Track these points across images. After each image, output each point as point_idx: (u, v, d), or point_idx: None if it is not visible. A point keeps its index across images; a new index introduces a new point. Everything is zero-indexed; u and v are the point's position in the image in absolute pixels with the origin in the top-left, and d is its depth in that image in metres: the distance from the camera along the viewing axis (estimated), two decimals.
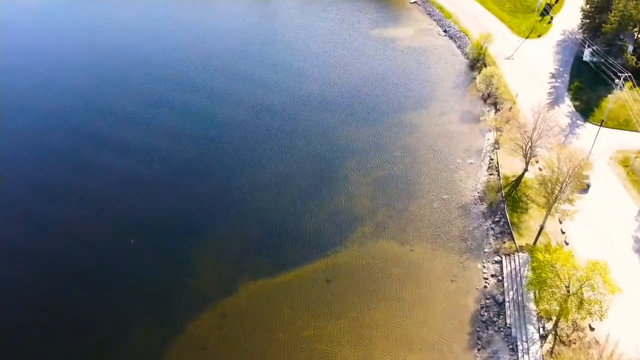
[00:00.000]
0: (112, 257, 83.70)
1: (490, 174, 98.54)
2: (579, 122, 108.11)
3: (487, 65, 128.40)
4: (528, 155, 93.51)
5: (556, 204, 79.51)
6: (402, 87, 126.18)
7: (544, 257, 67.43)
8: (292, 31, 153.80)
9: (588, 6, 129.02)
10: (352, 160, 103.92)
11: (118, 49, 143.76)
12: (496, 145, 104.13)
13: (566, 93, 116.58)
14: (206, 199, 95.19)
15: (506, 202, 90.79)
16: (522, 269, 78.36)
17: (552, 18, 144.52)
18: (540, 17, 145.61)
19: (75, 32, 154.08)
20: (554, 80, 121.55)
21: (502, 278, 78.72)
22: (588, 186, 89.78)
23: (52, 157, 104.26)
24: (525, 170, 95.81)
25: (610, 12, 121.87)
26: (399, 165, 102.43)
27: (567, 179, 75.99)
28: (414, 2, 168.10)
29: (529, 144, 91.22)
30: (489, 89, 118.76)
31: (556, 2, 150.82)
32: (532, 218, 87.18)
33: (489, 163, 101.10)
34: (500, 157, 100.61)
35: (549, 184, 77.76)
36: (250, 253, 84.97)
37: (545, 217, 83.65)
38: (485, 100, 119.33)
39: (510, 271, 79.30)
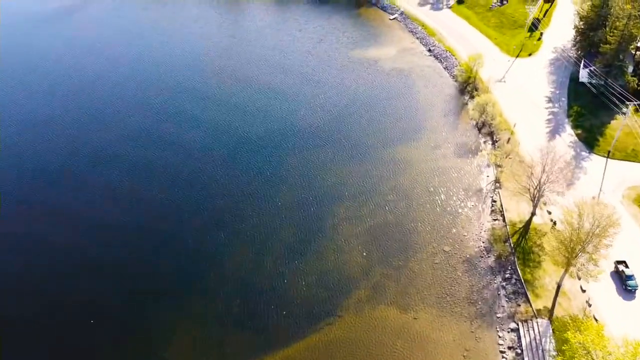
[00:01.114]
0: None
1: (495, 219, 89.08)
2: (583, 153, 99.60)
3: (478, 89, 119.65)
4: (536, 198, 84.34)
5: (577, 264, 70.32)
6: (390, 115, 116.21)
7: (575, 337, 58.11)
8: (266, 54, 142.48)
9: (581, 23, 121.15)
10: (340, 206, 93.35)
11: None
12: (497, 184, 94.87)
13: (566, 120, 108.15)
14: (176, 260, 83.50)
15: (516, 253, 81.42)
16: (543, 339, 68.90)
17: (541, 34, 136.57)
18: (529, 33, 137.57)
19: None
20: (551, 105, 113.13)
21: (522, 351, 69.08)
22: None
23: None
24: (533, 214, 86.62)
25: (606, 29, 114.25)
26: (392, 211, 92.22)
27: (590, 239, 66.81)
28: (394, 19, 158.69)
29: (537, 187, 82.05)
30: (484, 117, 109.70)
31: (544, 16, 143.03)
32: (547, 274, 77.85)
33: (492, 205, 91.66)
34: (503, 199, 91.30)
35: (569, 243, 68.46)
36: (229, 329, 73.71)
37: (563, 276, 74.40)
38: (479, 130, 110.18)
39: (530, 342, 69.70)
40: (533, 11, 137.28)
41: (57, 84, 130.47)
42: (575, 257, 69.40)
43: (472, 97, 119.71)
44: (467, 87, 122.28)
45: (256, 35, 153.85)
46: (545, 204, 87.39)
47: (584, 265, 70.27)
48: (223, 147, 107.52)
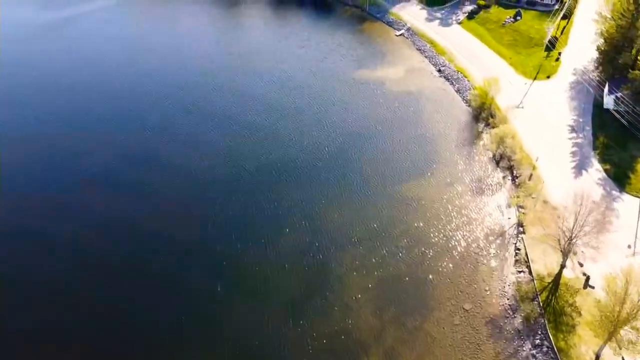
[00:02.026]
0: None
1: (520, 271, 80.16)
2: (614, 192, 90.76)
3: (494, 116, 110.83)
4: (566, 250, 75.52)
5: (620, 335, 61.57)
6: (399, 145, 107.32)
7: None
8: (266, 74, 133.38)
9: (605, 45, 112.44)
10: (347, 253, 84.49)
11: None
12: (521, 229, 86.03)
13: (592, 152, 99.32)
14: (169, 316, 74.67)
15: (546, 315, 72.54)
16: None
17: (559, 54, 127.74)
18: (546, 53, 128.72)
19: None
20: (574, 135, 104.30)
21: None
22: None
23: None
24: (563, 266, 77.79)
25: (633, 52, 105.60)
26: (405, 259, 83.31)
27: (638, 313, 58.05)
28: (400, 35, 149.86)
29: (569, 240, 73.24)
30: (502, 149, 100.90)
31: (562, 34, 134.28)
32: (583, 341, 68.92)
33: (516, 254, 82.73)
34: (528, 247, 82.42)
35: (613, 316, 59.65)
36: None
37: (603, 347, 65.59)
38: (497, 163, 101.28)
39: None
40: (551, 30, 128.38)
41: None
42: (620, 329, 60.71)
43: (487, 124, 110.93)
44: (482, 113, 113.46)
45: (255, 53, 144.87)
46: (575, 253, 78.51)
47: (628, 335, 61.67)
48: (217, 181, 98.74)
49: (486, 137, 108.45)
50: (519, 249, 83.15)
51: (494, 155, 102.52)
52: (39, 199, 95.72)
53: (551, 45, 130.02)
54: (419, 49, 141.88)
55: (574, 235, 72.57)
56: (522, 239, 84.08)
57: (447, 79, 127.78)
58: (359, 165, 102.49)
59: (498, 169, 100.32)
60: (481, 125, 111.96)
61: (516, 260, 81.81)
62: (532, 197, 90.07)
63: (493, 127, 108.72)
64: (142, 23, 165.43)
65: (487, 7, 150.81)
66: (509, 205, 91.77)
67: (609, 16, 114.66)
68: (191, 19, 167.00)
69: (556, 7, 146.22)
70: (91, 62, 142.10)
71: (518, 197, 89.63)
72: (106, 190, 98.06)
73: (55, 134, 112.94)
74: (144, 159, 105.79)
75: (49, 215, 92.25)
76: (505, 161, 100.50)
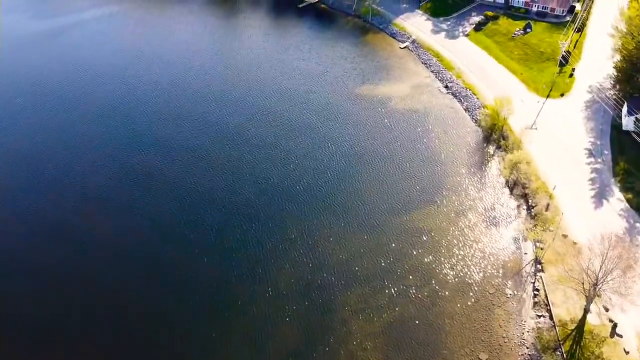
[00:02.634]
0: None
1: (539, 315, 74.07)
2: (638, 225, 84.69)
3: (506, 138, 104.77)
4: (591, 295, 69.52)
5: None
6: (406, 170, 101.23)
7: None
8: (265, 90, 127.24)
9: (623, 62, 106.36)
10: (352, 293, 78.57)
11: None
12: (539, 266, 79.95)
13: (612, 179, 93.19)
14: None
15: None
16: None
17: (573, 70, 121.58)
18: (559, 68, 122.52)
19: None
20: (592, 160, 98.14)
21: None
22: None
23: None
24: (587, 311, 71.76)
25: None
26: (415, 301, 77.28)
27: None
28: (405, 47, 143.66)
29: (593, 283, 67.22)
30: (516, 175, 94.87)
31: (575, 48, 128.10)
32: None
33: (534, 295, 76.63)
34: (547, 287, 76.37)
35: None
36: None
37: None
38: (511, 190, 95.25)
39: None
40: (565, 45, 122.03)
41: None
42: None
43: (499, 146, 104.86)
44: (493, 134, 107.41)
45: (255, 66, 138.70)
46: (599, 296, 72.39)
47: None
48: (211, 207, 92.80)
49: (498, 160, 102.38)
50: (537, 290, 77.03)
51: (507, 182, 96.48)
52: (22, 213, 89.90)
53: (564, 60, 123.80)
54: (424, 63, 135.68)
55: (599, 280, 66.62)
56: (541, 279, 77.97)
57: (455, 96, 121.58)
58: (363, 191, 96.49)
59: (512, 196, 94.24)
60: (492, 147, 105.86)
61: (535, 303, 75.70)
62: (550, 230, 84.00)
63: (505, 150, 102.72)
64: (137, 34, 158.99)
65: (495, 18, 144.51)
66: (525, 239, 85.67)
67: (626, 31, 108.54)
68: (187, 30, 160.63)
69: (567, 18, 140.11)
70: (80, 76, 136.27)
71: (535, 230, 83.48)
72: (97, 211, 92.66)
73: (40, 149, 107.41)
74: (133, 175, 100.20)
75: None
76: (519, 188, 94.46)
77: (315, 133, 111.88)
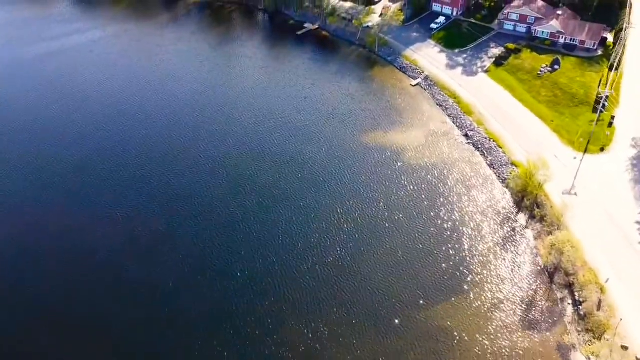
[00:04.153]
0: None
1: None
2: None
3: (541, 206, 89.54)
4: None
5: None
6: (424, 248, 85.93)
7: None
8: (261, 135, 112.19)
9: None
10: None
11: None
12: None
13: None
14: None
15: None
16: None
17: (612, 118, 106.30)
18: (596, 115, 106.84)
19: None
20: None
21: None
22: None
23: None
24: None
25: None
26: None
27: None
28: (417, 85, 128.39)
29: None
30: (556, 258, 79.56)
31: (612, 90, 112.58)
32: None
33: None
34: None
35: None
36: None
37: None
38: (551, 277, 79.97)
39: None
40: (605, 93, 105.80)
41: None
42: None
43: (532, 216, 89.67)
44: (525, 199, 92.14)
45: (250, 104, 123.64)
46: None
47: None
48: (196, 293, 77.75)
49: (532, 234, 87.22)
50: None
51: (545, 266, 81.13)
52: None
53: (600, 105, 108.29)
54: (440, 105, 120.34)
55: None
56: None
57: (477, 148, 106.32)
58: (372, 275, 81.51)
59: (553, 286, 78.92)
60: (524, 217, 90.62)
61: None
62: (606, 339, 68.75)
63: (541, 221, 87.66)
64: (120, 67, 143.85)
65: (517, 51, 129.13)
66: (573, 347, 70.39)
67: None
68: (175, 61, 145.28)
69: (599, 52, 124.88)
70: (67, 109, 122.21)
71: (591, 344, 68.14)
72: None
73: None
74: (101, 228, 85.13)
75: None
76: (561, 276, 79.13)
77: (317, 193, 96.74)
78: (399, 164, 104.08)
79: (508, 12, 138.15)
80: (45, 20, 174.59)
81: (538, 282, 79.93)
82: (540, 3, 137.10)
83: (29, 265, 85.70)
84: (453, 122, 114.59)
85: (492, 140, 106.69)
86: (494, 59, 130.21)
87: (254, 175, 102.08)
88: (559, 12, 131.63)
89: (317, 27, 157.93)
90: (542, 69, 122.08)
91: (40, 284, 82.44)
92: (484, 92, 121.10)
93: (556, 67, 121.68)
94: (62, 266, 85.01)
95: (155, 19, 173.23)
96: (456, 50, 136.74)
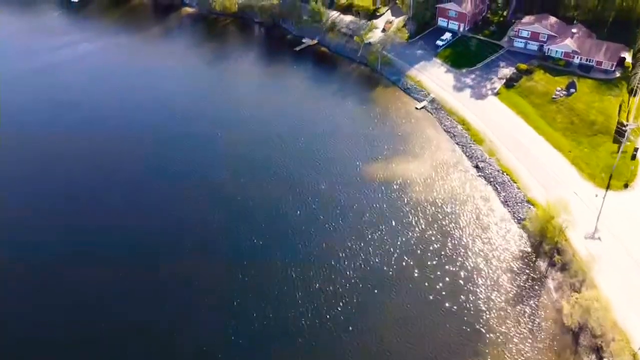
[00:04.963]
0: None
1: None
2: None
3: (561, 252, 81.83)
4: None
5: None
6: (433, 299, 78.18)
7: None
8: (256, 163, 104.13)
9: None
10: None
11: None
12: None
13: None
14: None
15: None
16: None
17: (636, 150, 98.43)
18: (617, 145, 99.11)
19: None
20: None
21: None
22: None
23: None
24: None
25: None
26: None
27: None
28: (422, 108, 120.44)
29: None
30: (581, 318, 71.71)
31: (633, 118, 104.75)
32: None
33: None
34: None
35: None
36: None
37: None
38: (576, 338, 72.15)
39: None
40: (631, 126, 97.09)
41: None
42: None
43: (552, 263, 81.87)
44: (544, 244, 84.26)
45: (245, 128, 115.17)
46: None
47: None
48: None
49: (552, 285, 79.45)
50: None
51: (569, 327, 73.12)
52: None
53: (621, 135, 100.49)
54: (447, 131, 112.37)
55: None
56: None
57: (489, 182, 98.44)
58: (376, 333, 73.56)
59: (578, 348, 71.15)
60: (543, 264, 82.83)
61: None
62: None
63: (562, 270, 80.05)
64: (112, 87, 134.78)
65: (529, 72, 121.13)
66: None
67: None
68: (165, 79, 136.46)
69: (617, 74, 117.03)
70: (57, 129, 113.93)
71: None
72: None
73: None
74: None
75: None
76: (587, 336, 71.35)
77: (317, 238, 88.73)
78: (406, 200, 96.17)
79: (519, 29, 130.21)
80: (32, 33, 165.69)
81: (561, 342, 72.11)
82: (553, 19, 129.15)
83: None
84: (462, 152, 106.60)
85: (505, 173, 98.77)
86: (504, 80, 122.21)
87: (244, 219, 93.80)
88: (574, 30, 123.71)
89: (316, 42, 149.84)
90: (556, 93, 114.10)
91: None
92: (495, 117, 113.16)
93: (572, 90, 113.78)
94: None
95: (147, 32, 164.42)
96: (464, 70, 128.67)
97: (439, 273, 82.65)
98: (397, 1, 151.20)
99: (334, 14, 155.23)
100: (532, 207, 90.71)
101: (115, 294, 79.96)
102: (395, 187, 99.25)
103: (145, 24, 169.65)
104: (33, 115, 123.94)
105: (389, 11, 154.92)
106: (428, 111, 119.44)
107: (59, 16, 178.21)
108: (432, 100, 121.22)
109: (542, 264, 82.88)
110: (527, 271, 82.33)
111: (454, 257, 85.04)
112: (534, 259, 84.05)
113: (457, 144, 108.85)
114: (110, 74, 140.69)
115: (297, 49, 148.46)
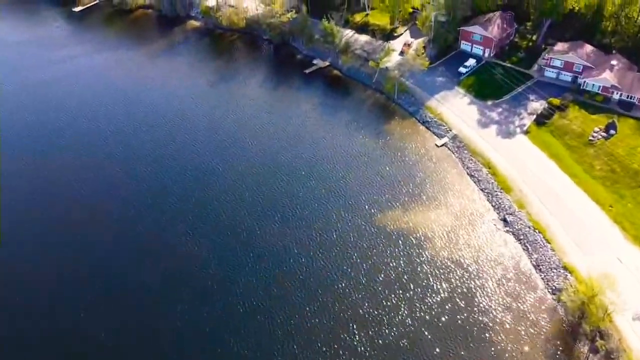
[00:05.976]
0: None
1: None
2: None
3: (605, 337, 70.74)
4: None
5: None
6: None
7: None
8: (261, 203, 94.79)
9: None
10: None
11: None
12: None
13: None
14: None
15: None
16: None
17: None
18: None
19: None
20: None
21: None
22: None
23: None
24: None
25: None
26: None
27: None
28: (443, 145, 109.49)
29: None
30: None
31: None
32: None
33: None
34: None
35: None
36: None
37: None
38: None
39: None
40: None
41: None
42: None
43: (595, 349, 70.76)
44: (583, 323, 73.16)
45: (249, 163, 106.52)
46: None
47: None
48: None
49: None
50: None
51: None
52: None
53: None
54: (471, 175, 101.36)
55: None
56: None
57: (519, 240, 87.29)
58: None
59: None
60: (583, 348, 71.70)
61: None
62: None
63: (606, 358, 68.73)
64: (109, 109, 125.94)
65: (562, 108, 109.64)
66: None
67: None
68: (166, 100, 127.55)
69: None
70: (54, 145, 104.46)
71: None
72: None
73: None
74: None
75: None
76: None
77: (327, 302, 78.54)
78: (423, 257, 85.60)
79: (550, 58, 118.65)
80: (30, 47, 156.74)
81: None
82: (589, 48, 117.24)
83: None
84: (488, 201, 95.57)
85: (537, 230, 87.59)
86: (534, 116, 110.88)
87: (245, 272, 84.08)
88: (613, 62, 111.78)
89: (327, 64, 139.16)
90: (594, 134, 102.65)
91: None
92: (525, 160, 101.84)
93: (612, 131, 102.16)
94: None
95: (149, 46, 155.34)
96: (489, 102, 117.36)
97: (464, 351, 72.13)
98: (416, 22, 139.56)
99: (348, 33, 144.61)
100: (569, 275, 79.62)
101: None
102: (413, 240, 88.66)
103: (149, 38, 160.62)
104: (23, 141, 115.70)
105: (408, 32, 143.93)
106: (449, 149, 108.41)
107: (59, 27, 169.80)
108: (454, 137, 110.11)
109: (582, 348, 71.75)
110: (564, 357, 71.34)
111: (480, 334, 74.25)
112: (571, 341, 72.93)
113: (481, 190, 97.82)
114: (106, 92, 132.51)
115: (307, 71, 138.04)
